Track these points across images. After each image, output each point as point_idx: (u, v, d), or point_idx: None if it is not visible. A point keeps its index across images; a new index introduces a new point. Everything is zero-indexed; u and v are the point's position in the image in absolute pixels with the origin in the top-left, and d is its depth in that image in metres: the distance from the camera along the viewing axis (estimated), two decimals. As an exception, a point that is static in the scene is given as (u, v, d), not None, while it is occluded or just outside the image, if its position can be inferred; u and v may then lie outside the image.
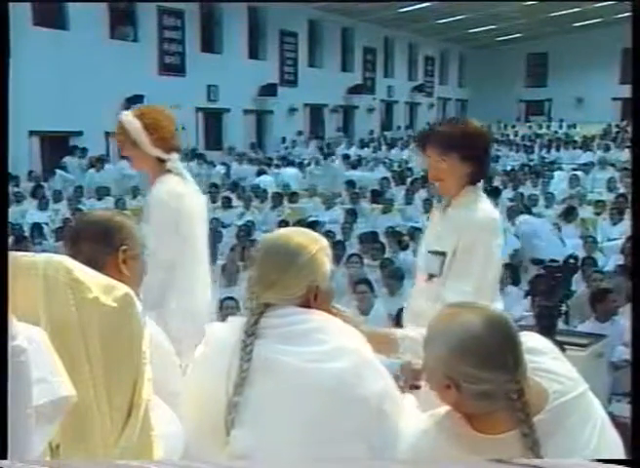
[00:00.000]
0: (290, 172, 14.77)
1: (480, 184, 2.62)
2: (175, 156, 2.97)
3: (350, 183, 12.37)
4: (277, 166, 15.80)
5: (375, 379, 1.68)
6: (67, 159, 14.51)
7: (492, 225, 2.55)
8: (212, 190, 11.99)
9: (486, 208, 2.57)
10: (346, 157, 16.38)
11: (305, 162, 16.50)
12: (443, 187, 2.63)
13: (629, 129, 17.52)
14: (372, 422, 1.65)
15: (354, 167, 15.38)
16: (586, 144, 19.26)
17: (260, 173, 14.55)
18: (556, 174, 13.35)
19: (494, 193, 11.19)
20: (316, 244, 1.79)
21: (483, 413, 1.51)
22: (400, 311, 5.20)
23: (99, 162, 13.87)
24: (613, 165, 13.87)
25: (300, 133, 21.83)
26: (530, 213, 9.37)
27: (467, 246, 2.48)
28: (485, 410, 1.50)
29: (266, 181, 13.37)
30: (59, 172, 13.61)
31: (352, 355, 1.67)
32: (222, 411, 1.65)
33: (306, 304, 1.76)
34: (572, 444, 1.49)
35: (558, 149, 19.15)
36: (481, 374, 1.45)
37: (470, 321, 1.49)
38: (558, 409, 1.50)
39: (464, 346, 1.46)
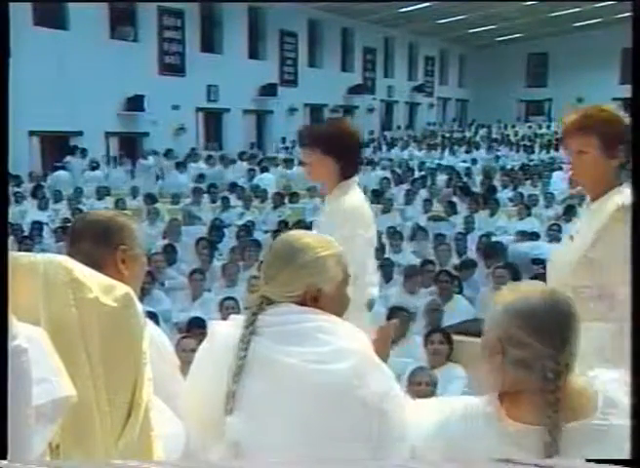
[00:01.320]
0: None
1: (355, 179, 2.83)
2: None
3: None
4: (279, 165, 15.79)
5: (377, 381, 1.68)
6: (69, 158, 14.53)
7: (361, 215, 2.77)
8: (212, 190, 12.01)
9: (355, 199, 2.78)
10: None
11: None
12: (322, 183, 2.89)
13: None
14: (373, 423, 1.65)
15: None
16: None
17: (262, 171, 14.55)
18: (555, 174, 13.35)
19: (491, 192, 11.23)
20: (326, 248, 1.79)
21: (519, 398, 1.52)
22: (390, 310, 5.24)
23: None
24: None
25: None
26: (529, 214, 9.37)
27: (344, 235, 2.67)
28: (520, 385, 1.51)
29: (267, 180, 13.37)
30: (60, 173, 13.62)
31: (353, 356, 1.67)
32: (222, 403, 1.66)
33: (305, 305, 1.76)
34: (615, 454, 1.47)
35: (557, 149, 19.12)
36: (526, 339, 1.50)
37: (533, 291, 1.56)
38: (606, 416, 1.50)
39: (519, 309, 1.52)
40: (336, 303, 1.79)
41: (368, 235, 2.81)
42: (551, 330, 1.50)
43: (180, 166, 14.39)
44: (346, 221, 2.71)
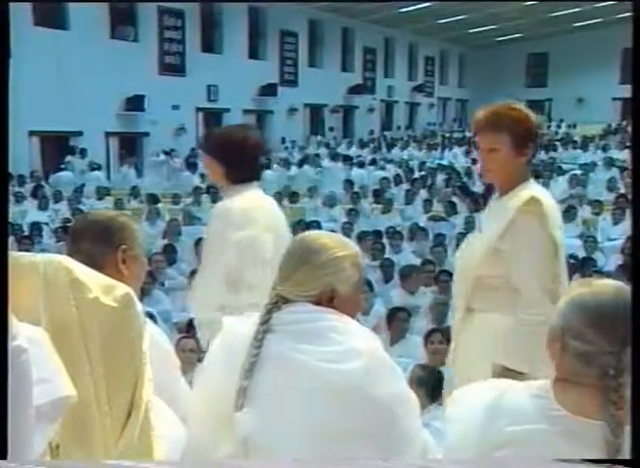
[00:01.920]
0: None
1: (248, 184, 2.93)
2: None
3: (350, 183, 12.37)
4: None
5: (388, 381, 1.69)
6: (70, 158, 14.53)
7: (224, 216, 2.86)
8: (212, 190, 12.00)
9: (230, 203, 2.88)
10: (348, 158, 16.38)
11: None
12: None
13: (629, 129, 17.48)
14: (382, 424, 1.66)
15: (361, 166, 15.40)
16: (586, 144, 19.24)
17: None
18: (560, 178, 13.28)
19: (491, 192, 11.20)
20: (343, 249, 1.80)
21: (574, 388, 1.51)
22: (390, 310, 5.25)
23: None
24: (613, 164, 13.86)
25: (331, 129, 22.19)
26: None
27: (206, 236, 2.94)
28: (577, 377, 1.50)
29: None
30: (63, 173, 13.62)
31: (365, 356, 1.67)
32: (233, 399, 1.67)
33: (321, 305, 1.77)
34: None
35: (555, 149, 19.09)
36: (589, 335, 1.48)
37: (602, 286, 1.55)
38: None
39: (585, 304, 1.51)
40: (350, 304, 1.81)
41: (235, 238, 2.83)
42: (617, 327, 1.47)
43: (192, 166, 14.44)
44: (216, 224, 2.86)
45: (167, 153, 15.57)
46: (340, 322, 1.73)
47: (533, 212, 2.44)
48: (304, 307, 1.75)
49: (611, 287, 1.55)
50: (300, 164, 15.95)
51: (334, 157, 16.29)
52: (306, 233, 1.90)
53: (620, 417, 1.44)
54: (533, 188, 2.54)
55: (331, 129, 23.70)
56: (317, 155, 16.25)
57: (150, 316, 4.26)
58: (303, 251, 1.79)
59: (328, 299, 1.77)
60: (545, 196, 2.54)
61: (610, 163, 13.94)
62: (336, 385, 1.64)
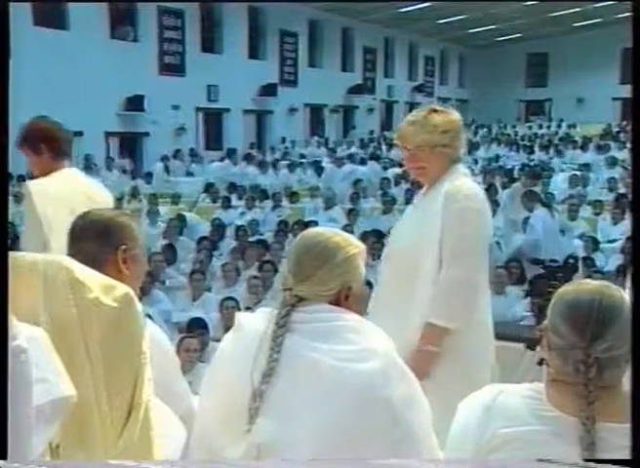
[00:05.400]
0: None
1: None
2: None
3: (350, 183, 12.37)
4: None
5: (401, 383, 1.70)
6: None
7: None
8: (211, 190, 12.00)
9: None
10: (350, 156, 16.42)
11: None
12: None
13: (629, 128, 17.47)
14: (391, 425, 1.66)
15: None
16: (586, 144, 19.23)
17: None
18: (561, 174, 13.27)
19: (491, 192, 11.20)
20: (354, 246, 1.83)
21: (559, 387, 1.52)
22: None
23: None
24: (614, 164, 13.86)
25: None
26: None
27: None
28: (559, 375, 1.52)
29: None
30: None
31: (381, 357, 1.69)
32: (246, 400, 1.66)
33: (337, 304, 1.79)
34: None
35: (557, 149, 19.10)
36: (560, 327, 1.52)
37: (584, 284, 1.59)
38: None
39: (564, 299, 1.55)
40: (359, 300, 1.85)
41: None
42: (586, 322, 1.49)
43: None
44: None
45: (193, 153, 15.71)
46: (355, 322, 1.75)
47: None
48: (321, 307, 1.76)
49: (595, 285, 1.56)
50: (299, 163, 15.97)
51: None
52: (311, 232, 1.90)
53: (592, 413, 1.45)
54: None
55: (353, 127, 23.85)
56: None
57: (149, 316, 4.25)
58: (321, 250, 1.79)
59: (345, 297, 1.79)
60: None
61: (610, 163, 13.93)
62: (350, 385, 1.65)
